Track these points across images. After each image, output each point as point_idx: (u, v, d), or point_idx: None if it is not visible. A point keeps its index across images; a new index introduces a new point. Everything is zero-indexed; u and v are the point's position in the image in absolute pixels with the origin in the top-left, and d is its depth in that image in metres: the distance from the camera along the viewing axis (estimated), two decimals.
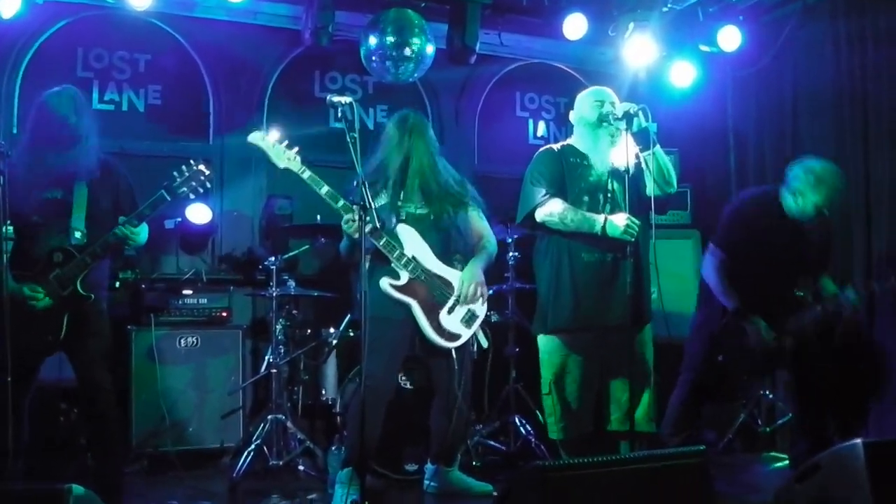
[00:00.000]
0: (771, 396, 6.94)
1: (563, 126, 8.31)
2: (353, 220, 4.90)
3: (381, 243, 5.08)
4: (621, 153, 5.11)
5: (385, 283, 5.14)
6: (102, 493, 3.65)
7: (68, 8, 6.82)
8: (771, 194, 5.78)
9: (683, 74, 7.62)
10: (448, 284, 5.24)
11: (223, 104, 7.37)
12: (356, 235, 4.88)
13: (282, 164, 5.04)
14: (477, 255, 5.41)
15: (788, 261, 5.67)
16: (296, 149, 5.05)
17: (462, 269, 5.32)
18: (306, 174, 5.03)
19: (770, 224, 5.69)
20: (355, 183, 4.66)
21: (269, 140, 5.05)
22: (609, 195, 5.28)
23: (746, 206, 5.85)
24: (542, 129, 8.61)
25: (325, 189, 5.02)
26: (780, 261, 5.64)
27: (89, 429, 5.30)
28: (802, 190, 5.58)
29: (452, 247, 5.36)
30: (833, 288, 5.78)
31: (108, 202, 4.96)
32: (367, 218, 4.59)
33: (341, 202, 5.00)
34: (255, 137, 5.07)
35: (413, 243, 5.22)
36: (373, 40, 6.88)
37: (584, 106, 5.41)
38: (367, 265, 4.69)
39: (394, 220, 5.21)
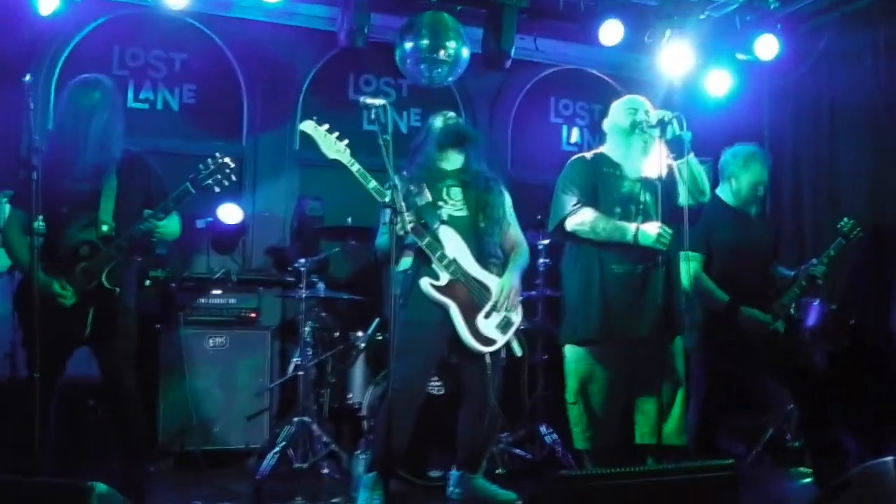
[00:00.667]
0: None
1: (596, 133, 8.24)
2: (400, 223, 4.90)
3: (425, 242, 5.07)
4: (654, 162, 5.07)
5: (426, 283, 5.12)
6: (127, 491, 3.66)
7: (105, 6, 6.88)
8: (714, 195, 5.77)
9: (719, 83, 7.58)
10: (486, 288, 5.22)
11: (257, 104, 7.40)
12: (400, 232, 4.87)
13: (332, 155, 5.02)
14: (513, 263, 5.39)
15: (757, 251, 5.75)
16: (346, 141, 5.03)
17: (498, 275, 5.30)
18: (355, 167, 5.01)
19: (725, 221, 5.74)
20: (387, 185, 4.65)
21: (322, 129, 5.04)
22: (641, 206, 5.22)
23: (706, 211, 5.79)
24: (575, 135, 8.59)
25: (372, 184, 4.99)
26: (749, 252, 5.70)
27: (114, 426, 5.31)
28: (735, 172, 5.77)
29: (489, 251, 5.33)
30: (783, 274, 5.89)
31: (138, 196, 4.95)
32: (398, 221, 4.58)
33: (388, 197, 4.97)
34: (307, 126, 5.05)
35: (454, 245, 5.20)
36: (408, 43, 6.87)
37: (617, 114, 5.37)
38: (400, 266, 4.68)
39: (437, 220, 5.19)
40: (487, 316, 5.22)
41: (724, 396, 5.80)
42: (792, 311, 5.75)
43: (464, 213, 5.30)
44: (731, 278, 5.60)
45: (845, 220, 5.79)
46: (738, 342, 5.53)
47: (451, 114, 5.52)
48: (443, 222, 5.21)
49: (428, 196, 5.23)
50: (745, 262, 5.67)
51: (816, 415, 5.63)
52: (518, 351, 5.41)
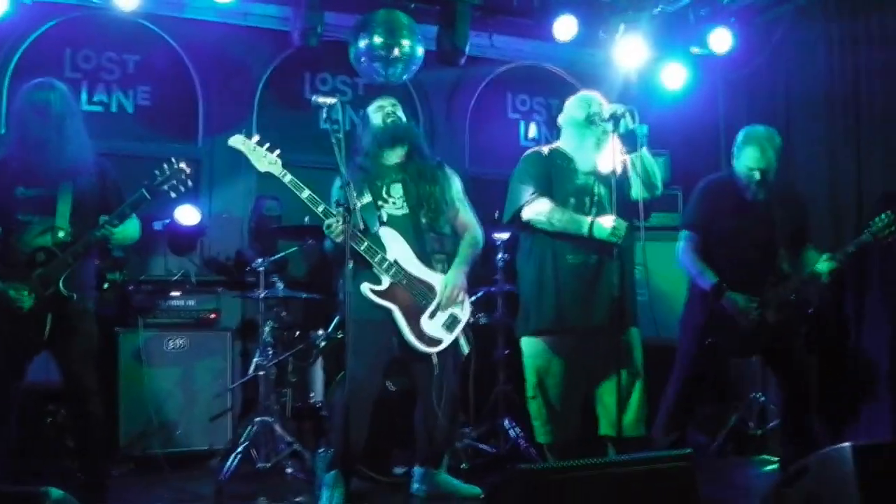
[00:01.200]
0: (763, 399, 6.92)
1: (554, 128, 8.26)
2: (334, 225, 4.90)
3: (363, 248, 5.05)
4: (608, 156, 5.10)
5: (366, 288, 5.11)
6: (88, 495, 3.65)
7: (56, 8, 6.82)
8: (726, 176, 5.82)
9: (675, 76, 7.64)
10: (430, 288, 5.21)
11: (213, 105, 7.36)
12: (337, 240, 4.88)
13: (262, 168, 5.03)
14: (460, 256, 5.36)
15: (757, 237, 5.63)
16: (277, 152, 5.02)
17: (444, 271, 5.29)
18: (287, 178, 5.01)
19: (730, 203, 5.68)
20: (340, 184, 4.64)
21: (251, 143, 5.03)
22: (595, 198, 5.26)
23: (707, 187, 5.84)
24: (533, 130, 8.61)
25: (306, 193, 4.99)
26: (749, 237, 5.62)
27: (75, 430, 5.29)
28: (736, 153, 5.71)
29: (434, 247, 5.32)
30: (815, 259, 5.64)
31: (94, 201, 4.92)
32: (350, 220, 4.58)
33: (322, 207, 4.98)
34: (235, 141, 5.05)
35: (395, 246, 5.18)
36: (362, 41, 6.87)
37: (572, 108, 5.40)
38: (350, 266, 4.67)
39: (376, 223, 5.18)
40: (432, 316, 5.21)
41: (698, 383, 5.81)
42: (793, 297, 5.63)
43: (404, 210, 5.28)
44: (725, 261, 5.60)
45: (882, 216, 5.50)
46: (718, 324, 5.54)
47: (388, 105, 5.43)
48: (383, 223, 5.20)
49: (367, 197, 5.20)
50: (741, 246, 5.62)
51: (798, 399, 5.66)
52: (465, 348, 5.40)
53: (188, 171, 4.93)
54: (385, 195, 5.27)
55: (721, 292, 5.50)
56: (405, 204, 5.28)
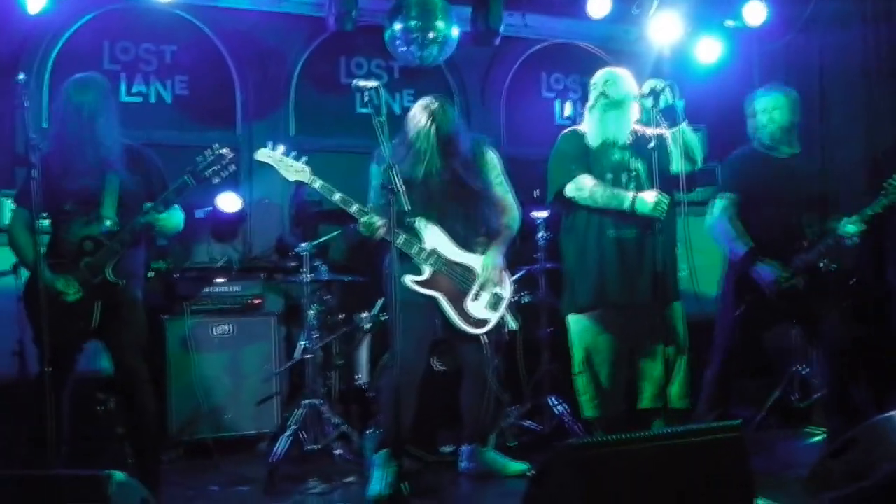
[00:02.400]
0: (806, 371, 6.90)
1: None
2: (373, 223, 4.94)
3: (400, 242, 5.07)
4: (646, 131, 5.11)
5: (408, 280, 5.16)
6: (142, 481, 3.71)
7: (93, 2, 6.89)
8: (747, 147, 5.84)
9: (709, 51, 7.60)
10: (470, 271, 5.25)
11: (250, 93, 7.40)
12: (376, 236, 4.93)
13: (292, 177, 5.10)
14: (496, 239, 5.40)
15: (787, 201, 5.60)
16: (304, 159, 5.08)
17: (483, 253, 5.32)
18: (318, 184, 5.07)
19: (759, 168, 5.68)
20: (384, 167, 4.67)
21: (277, 154, 5.08)
22: (632, 174, 5.29)
23: (738, 156, 5.86)
24: (568, 109, 8.57)
25: (337, 196, 5.05)
26: (780, 201, 5.60)
27: (126, 417, 5.36)
28: (750, 110, 5.77)
29: (473, 230, 5.35)
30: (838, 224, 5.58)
31: (140, 189, 4.99)
32: (395, 201, 4.61)
33: (355, 206, 5.03)
34: (261, 154, 5.12)
35: (432, 234, 5.23)
36: (397, 25, 6.90)
37: (605, 86, 5.41)
38: (396, 249, 4.71)
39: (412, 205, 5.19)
40: (476, 297, 5.25)
41: (736, 357, 5.79)
42: (822, 265, 5.56)
43: (444, 196, 5.29)
44: (754, 226, 5.59)
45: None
46: (747, 294, 5.55)
47: (434, 112, 5.27)
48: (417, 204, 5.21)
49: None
50: (769, 209, 5.60)
51: (840, 369, 5.63)
52: (512, 324, 5.44)
53: (231, 155, 4.99)
54: (429, 177, 5.24)
55: (754, 259, 5.49)
56: (445, 188, 5.26)
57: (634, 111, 5.27)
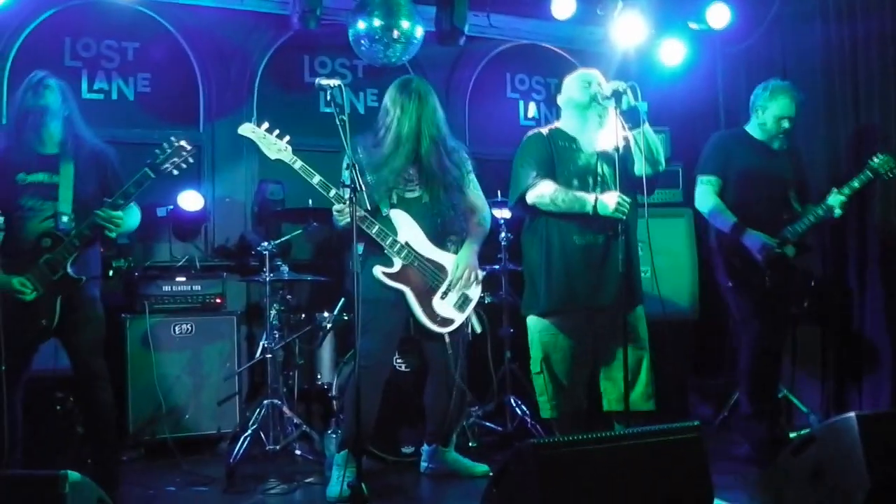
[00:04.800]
0: None
1: (553, 107, 8.26)
2: (343, 209, 4.93)
3: (374, 231, 5.08)
4: (610, 134, 5.11)
5: (378, 271, 5.15)
6: (99, 481, 3.67)
7: None
8: (740, 129, 6.14)
9: (673, 52, 7.63)
10: (441, 269, 5.25)
11: (213, 91, 7.34)
12: (344, 223, 4.92)
13: (273, 155, 5.06)
14: (470, 237, 5.40)
15: (775, 183, 5.92)
16: (286, 138, 5.05)
17: (456, 252, 5.32)
18: (297, 164, 5.03)
19: (744, 150, 5.97)
20: (345, 165, 4.65)
21: (260, 131, 5.05)
22: (599, 177, 5.29)
23: (721, 137, 6.19)
24: (533, 110, 8.59)
25: (316, 179, 5.02)
26: (767, 182, 5.89)
27: (85, 416, 5.34)
28: (763, 105, 5.95)
29: (446, 229, 5.35)
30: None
31: (96, 185, 4.98)
32: (357, 200, 4.60)
33: (333, 192, 5.01)
34: (245, 129, 5.09)
35: (406, 228, 5.22)
36: (361, 24, 6.87)
37: (572, 88, 5.42)
38: (359, 247, 4.70)
39: (387, 205, 5.20)
40: (444, 296, 5.26)
41: (778, 340, 5.97)
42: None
43: (417, 193, 5.30)
44: (744, 205, 5.82)
45: (879, 156, 5.66)
46: (744, 263, 5.78)
47: (394, 113, 5.30)
48: (393, 206, 5.22)
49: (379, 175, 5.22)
50: (760, 190, 5.87)
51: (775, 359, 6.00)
52: (478, 327, 5.46)
53: (189, 147, 4.98)
54: (400, 178, 5.27)
55: (742, 229, 5.72)
56: (418, 187, 5.29)
57: (607, 115, 5.24)
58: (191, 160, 5.01)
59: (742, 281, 5.84)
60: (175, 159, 4.92)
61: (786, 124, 5.91)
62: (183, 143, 4.95)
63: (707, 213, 5.97)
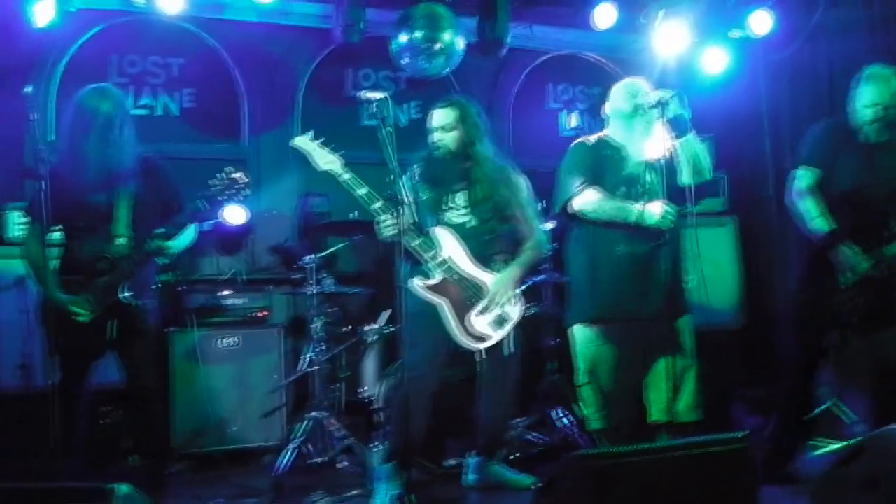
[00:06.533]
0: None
1: (596, 116, 8.24)
2: (386, 220, 4.94)
3: (417, 243, 5.09)
4: (656, 143, 5.09)
5: (417, 282, 5.15)
6: (148, 493, 3.70)
7: (100, 15, 6.89)
8: (843, 120, 5.44)
9: (715, 61, 7.60)
10: (481, 287, 5.23)
11: (256, 105, 7.41)
12: (386, 234, 4.93)
13: (323, 167, 5.07)
14: (518, 258, 5.38)
15: (873, 184, 5.25)
16: (340, 152, 5.07)
17: (499, 271, 5.31)
18: (347, 176, 5.04)
19: (851, 146, 5.34)
20: (392, 177, 4.66)
21: (314, 143, 5.08)
22: (645, 186, 5.25)
23: (829, 126, 5.50)
24: (575, 120, 8.58)
25: (364, 190, 5.02)
26: (867, 185, 5.26)
27: (136, 429, 5.36)
28: (852, 96, 5.34)
29: (492, 250, 5.34)
30: None
31: (153, 204, 4.99)
32: (404, 212, 4.62)
33: (378, 203, 5.00)
34: (299, 141, 5.12)
35: (449, 246, 5.22)
36: (403, 36, 6.92)
37: (617, 97, 5.38)
38: (405, 259, 4.72)
39: (434, 223, 5.23)
40: (481, 313, 5.23)
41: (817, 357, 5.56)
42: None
43: (466, 218, 5.30)
44: (842, 208, 5.26)
45: None
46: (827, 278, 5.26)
47: (437, 131, 5.34)
48: (441, 223, 5.24)
49: (427, 192, 5.29)
50: (861, 193, 5.26)
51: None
52: (505, 350, 5.35)
53: (244, 180, 4.96)
54: (449, 202, 5.30)
55: (836, 241, 5.17)
56: (468, 212, 5.29)
57: (652, 124, 5.19)
58: (245, 192, 5.00)
59: (819, 289, 5.35)
60: (229, 191, 4.93)
61: (871, 113, 5.24)
62: (238, 175, 4.94)
63: (801, 211, 5.35)
